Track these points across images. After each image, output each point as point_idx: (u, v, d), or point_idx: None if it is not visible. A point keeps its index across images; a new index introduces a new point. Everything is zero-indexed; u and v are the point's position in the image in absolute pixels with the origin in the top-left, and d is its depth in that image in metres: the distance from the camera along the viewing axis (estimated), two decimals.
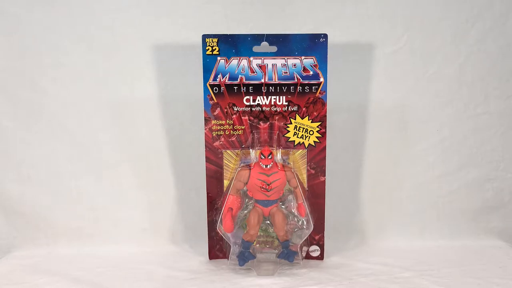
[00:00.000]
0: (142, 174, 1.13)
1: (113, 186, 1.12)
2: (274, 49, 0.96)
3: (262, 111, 0.98)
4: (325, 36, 0.95)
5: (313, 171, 0.99)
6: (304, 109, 0.97)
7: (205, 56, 0.96)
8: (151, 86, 1.10)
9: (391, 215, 1.15)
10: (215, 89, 0.97)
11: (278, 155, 0.97)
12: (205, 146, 0.99)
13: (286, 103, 0.97)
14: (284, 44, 0.96)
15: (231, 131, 0.98)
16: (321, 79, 0.96)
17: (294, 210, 0.97)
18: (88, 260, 1.04)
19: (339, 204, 1.12)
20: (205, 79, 0.97)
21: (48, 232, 1.12)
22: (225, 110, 0.97)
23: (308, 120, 0.98)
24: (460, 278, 0.94)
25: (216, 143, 0.98)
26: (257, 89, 0.97)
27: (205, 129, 0.98)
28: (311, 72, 0.96)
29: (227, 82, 0.96)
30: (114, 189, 1.12)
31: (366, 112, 1.12)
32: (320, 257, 1.03)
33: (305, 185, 0.99)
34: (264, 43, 0.96)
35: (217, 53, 0.96)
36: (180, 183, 1.13)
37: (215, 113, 0.97)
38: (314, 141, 0.98)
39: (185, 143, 1.11)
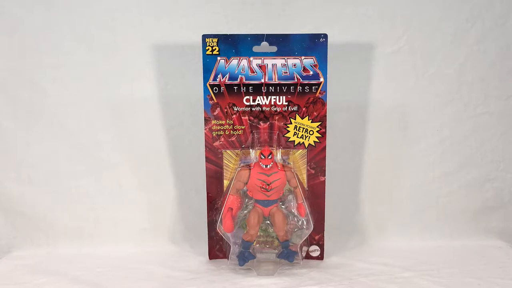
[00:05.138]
0: (142, 174, 1.12)
1: (113, 186, 1.12)
2: (274, 49, 0.96)
3: (262, 111, 0.98)
4: (325, 36, 0.95)
5: (313, 171, 0.99)
6: (304, 109, 0.97)
7: (205, 56, 0.96)
8: (151, 86, 1.10)
9: (391, 215, 1.15)
10: (215, 89, 0.97)
11: (278, 155, 0.97)
12: (205, 146, 0.99)
13: (286, 103, 0.97)
14: (284, 44, 0.96)
15: (231, 131, 0.98)
16: (321, 79, 0.96)
17: (294, 210, 0.97)
18: (88, 260, 1.04)
19: (339, 204, 1.12)
20: (205, 79, 0.96)
21: (48, 232, 1.12)
22: (225, 110, 0.97)
23: (308, 120, 0.98)
24: (460, 278, 0.94)
25: (216, 143, 0.98)
26: (257, 89, 0.97)
27: (205, 129, 0.98)
28: (311, 72, 0.96)
29: (227, 82, 0.96)
30: (114, 189, 1.12)
31: (366, 112, 1.12)
32: (320, 257, 1.03)
33: (305, 185, 0.99)
34: (264, 43, 0.96)
35: (217, 53, 0.96)
36: (180, 183, 1.13)
37: (215, 113, 0.97)
38: (314, 141, 0.98)
39: (185, 143, 1.11)
